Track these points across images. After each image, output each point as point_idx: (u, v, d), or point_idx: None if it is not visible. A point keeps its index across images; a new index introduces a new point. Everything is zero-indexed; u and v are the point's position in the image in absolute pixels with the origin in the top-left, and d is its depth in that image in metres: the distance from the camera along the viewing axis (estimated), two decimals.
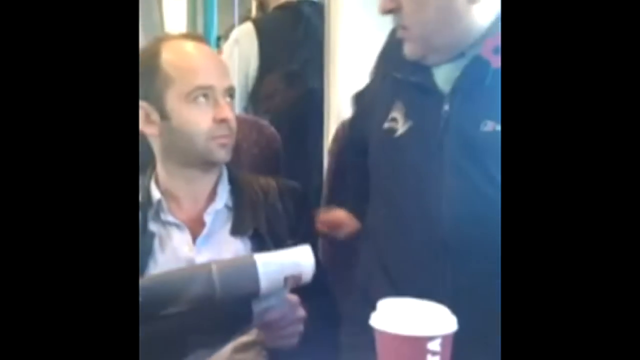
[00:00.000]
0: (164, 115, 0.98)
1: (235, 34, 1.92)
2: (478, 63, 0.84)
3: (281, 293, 0.79)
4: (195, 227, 0.98)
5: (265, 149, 1.26)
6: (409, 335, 0.59)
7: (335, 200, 1.21)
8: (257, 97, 1.83)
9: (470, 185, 0.83)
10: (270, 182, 1.07)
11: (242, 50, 1.83)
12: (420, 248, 0.87)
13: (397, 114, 0.91)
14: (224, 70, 1.02)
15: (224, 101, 0.99)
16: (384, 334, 0.60)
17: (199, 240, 0.97)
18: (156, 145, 1.02)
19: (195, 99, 0.96)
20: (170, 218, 0.98)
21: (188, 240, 0.97)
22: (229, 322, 0.78)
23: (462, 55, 0.87)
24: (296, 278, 0.77)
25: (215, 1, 2.77)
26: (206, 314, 0.75)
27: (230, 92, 1.01)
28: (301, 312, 0.84)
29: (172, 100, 0.97)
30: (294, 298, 0.83)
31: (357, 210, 1.06)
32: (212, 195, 1.01)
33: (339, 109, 1.48)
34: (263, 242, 0.97)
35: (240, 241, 0.98)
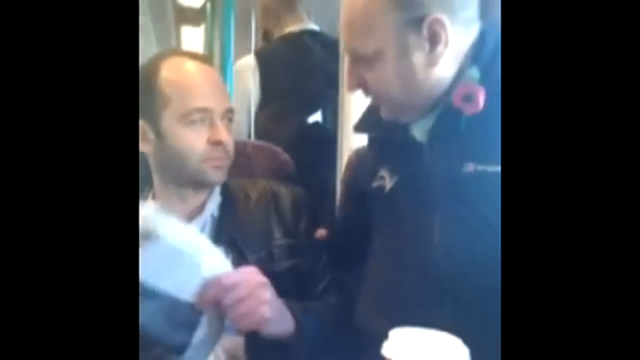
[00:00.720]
0: (159, 134, 0.98)
1: (237, 65, 1.94)
2: (450, 112, 0.88)
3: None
4: None
5: (278, 174, 1.27)
6: None
7: (349, 227, 1.21)
8: (260, 127, 1.84)
9: (458, 225, 0.87)
10: (266, 185, 1.06)
11: (243, 81, 1.84)
12: (417, 289, 0.90)
13: (383, 172, 0.98)
14: (223, 91, 1.01)
15: (220, 123, 0.98)
16: None
17: None
18: (152, 163, 1.03)
19: (191, 120, 0.96)
20: None
21: None
22: None
23: (434, 108, 0.92)
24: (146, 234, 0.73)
25: (232, 28, 2.81)
26: None
27: (229, 115, 1.00)
28: (251, 283, 0.80)
29: (168, 120, 0.97)
30: (259, 278, 0.80)
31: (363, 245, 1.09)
32: (201, 208, 1.01)
33: (351, 137, 1.49)
34: (239, 249, 0.96)
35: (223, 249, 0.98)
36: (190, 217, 1.01)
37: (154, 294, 0.74)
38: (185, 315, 0.75)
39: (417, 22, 0.86)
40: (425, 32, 0.86)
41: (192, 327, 0.76)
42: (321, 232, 1.06)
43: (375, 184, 0.98)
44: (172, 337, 0.75)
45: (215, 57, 3.13)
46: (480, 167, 0.85)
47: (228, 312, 0.79)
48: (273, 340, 0.86)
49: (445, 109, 0.90)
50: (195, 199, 1.02)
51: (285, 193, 1.07)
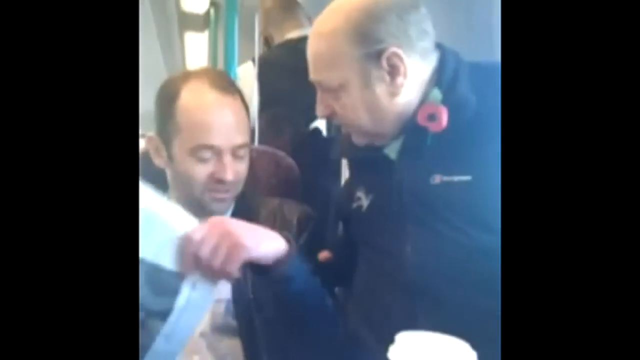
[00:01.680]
0: (170, 156, 0.99)
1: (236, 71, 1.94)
2: (416, 130, 0.95)
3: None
4: None
5: (283, 180, 1.27)
6: None
7: (337, 249, 1.22)
8: (260, 133, 1.83)
9: (429, 233, 0.92)
10: (276, 204, 1.07)
11: (243, 87, 1.84)
12: (395, 300, 0.95)
13: (360, 193, 1.04)
14: (239, 126, 0.99)
15: (228, 159, 0.97)
16: None
17: None
18: (168, 175, 1.04)
19: (197, 154, 0.96)
20: None
21: None
22: None
23: (403, 130, 0.98)
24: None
25: (235, 34, 2.82)
26: None
27: (240, 150, 0.99)
28: (220, 231, 0.78)
29: (177, 148, 0.98)
30: (225, 220, 0.79)
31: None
32: None
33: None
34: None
35: None
36: None
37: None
38: (166, 281, 0.76)
39: (376, 56, 0.93)
40: (384, 65, 0.92)
41: (173, 292, 0.76)
42: (324, 255, 1.08)
43: (354, 205, 1.03)
44: (155, 302, 0.75)
45: (219, 63, 3.14)
46: (446, 178, 0.92)
47: (211, 264, 0.78)
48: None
49: (411, 128, 0.96)
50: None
51: (292, 211, 1.07)
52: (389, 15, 0.92)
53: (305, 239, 1.05)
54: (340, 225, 1.14)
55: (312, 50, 0.99)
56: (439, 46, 0.98)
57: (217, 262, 0.78)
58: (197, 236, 0.78)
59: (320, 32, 0.96)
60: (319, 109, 1.00)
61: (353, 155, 1.09)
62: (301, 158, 1.49)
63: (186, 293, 0.77)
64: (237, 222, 0.83)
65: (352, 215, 1.05)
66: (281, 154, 1.34)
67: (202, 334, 0.96)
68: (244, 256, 0.79)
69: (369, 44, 0.92)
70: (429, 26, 0.96)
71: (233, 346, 0.95)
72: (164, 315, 0.76)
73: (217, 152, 0.97)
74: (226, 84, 1.04)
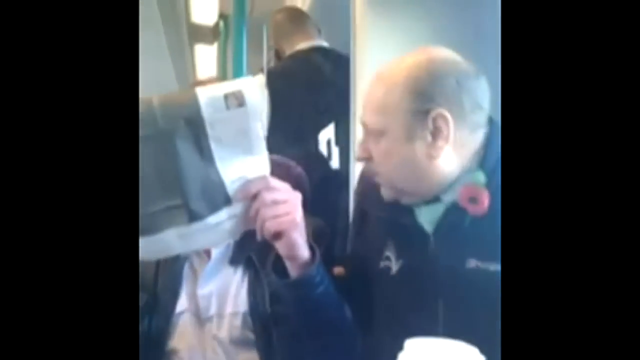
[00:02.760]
0: None
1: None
2: (456, 210, 0.93)
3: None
4: (207, 255, 1.00)
5: (293, 188, 1.27)
6: None
7: (362, 239, 1.21)
8: (270, 144, 1.84)
9: (460, 318, 0.89)
10: None
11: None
12: None
13: (389, 252, 1.01)
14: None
15: None
16: None
17: (205, 271, 0.97)
18: None
19: None
20: None
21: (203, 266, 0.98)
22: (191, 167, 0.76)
23: (437, 199, 0.96)
24: (237, 94, 0.76)
25: (244, 46, 2.85)
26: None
27: None
28: (291, 193, 0.82)
29: None
30: (281, 183, 0.81)
31: None
32: None
33: None
34: (256, 271, 0.96)
35: (238, 270, 0.98)
36: None
37: (209, 160, 0.76)
38: (217, 192, 0.77)
39: (424, 114, 0.91)
40: (429, 124, 0.91)
41: (216, 206, 0.77)
42: (339, 270, 1.07)
43: (382, 265, 1.01)
44: (197, 202, 0.76)
45: (228, 75, 3.16)
46: (481, 265, 0.90)
47: (263, 211, 0.80)
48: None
49: (451, 206, 0.94)
50: None
51: (308, 224, 1.07)
52: (447, 78, 0.91)
53: (322, 252, 1.06)
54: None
55: (369, 92, 0.98)
56: (490, 122, 0.96)
57: (268, 213, 0.80)
58: (273, 183, 0.82)
59: (381, 78, 0.97)
60: (358, 152, 1.00)
61: (381, 211, 1.04)
62: (310, 167, 1.49)
63: (223, 216, 0.78)
64: (301, 203, 0.86)
65: (378, 274, 1.01)
66: (291, 162, 1.35)
67: (220, 344, 0.95)
68: (286, 228, 0.82)
69: (421, 101, 0.91)
70: (485, 101, 0.94)
71: (250, 359, 0.95)
72: (196, 216, 0.77)
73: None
74: None
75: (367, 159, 0.98)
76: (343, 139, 1.66)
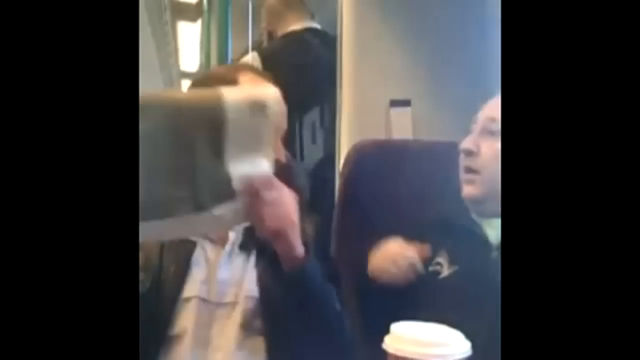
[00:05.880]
0: None
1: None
2: None
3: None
4: (220, 243, 1.00)
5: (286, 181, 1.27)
6: None
7: (347, 222, 1.22)
8: None
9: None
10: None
11: None
12: None
13: (441, 259, 0.99)
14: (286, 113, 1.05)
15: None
16: (397, 359, 0.60)
17: (223, 257, 0.98)
18: None
19: None
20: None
21: (219, 253, 0.98)
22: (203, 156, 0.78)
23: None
24: (262, 105, 0.78)
25: (229, 27, 2.81)
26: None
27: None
28: (290, 194, 0.84)
29: None
30: (282, 184, 0.83)
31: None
32: None
33: (350, 132, 1.50)
34: (266, 256, 0.96)
35: (252, 255, 0.99)
36: None
37: (221, 157, 0.78)
38: (223, 186, 0.79)
39: None
40: None
41: (220, 199, 0.79)
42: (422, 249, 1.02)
43: (430, 268, 0.99)
44: (203, 195, 0.78)
45: (212, 53, 3.13)
46: None
47: (262, 208, 0.81)
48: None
49: None
50: None
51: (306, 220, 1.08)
52: None
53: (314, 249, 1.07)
54: None
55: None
56: None
57: (267, 211, 0.80)
58: (276, 182, 0.81)
59: None
60: (467, 142, 1.00)
61: (447, 214, 1.03)
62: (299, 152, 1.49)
63: (226, 209, 0.79)
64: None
65: (423, 277, 0.99)
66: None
67: (231, 331, 0.96)
68: (283, 228, 0.82)
69: None
70: None
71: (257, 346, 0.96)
72: (201, 207, 0.78)
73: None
74: (268, 75, 1.10)
75: (473, 152, 0.98)
76: (329, 121, 1.66)
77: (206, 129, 0.78)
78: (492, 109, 1.00)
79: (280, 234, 0.84)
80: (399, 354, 0.60)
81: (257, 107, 0.79)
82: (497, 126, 0.96)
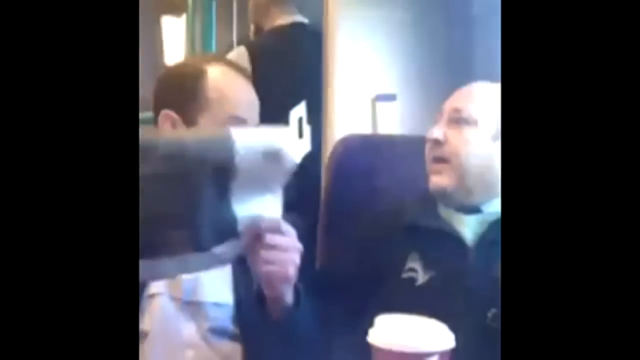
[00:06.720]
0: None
1: (228, 57, 1.94)
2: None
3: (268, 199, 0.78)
4: None
5: None
6: (406, 352, 0.59)
7: (333, 217, 1.22)
8: None
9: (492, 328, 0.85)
10: None
11: None
12: None
13: (415, 264, 0.96)
14: (257, 106, 1.04)
15: None
16: (381, 351, 0.61)
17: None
18: None
19: (228, 125, 0.97)
20: None
21: None
22: (207, 202, 0.75)
23: (478, 210, 0.95)
24: (276, 154, 0.75)
25: (213, 21, 2.79)
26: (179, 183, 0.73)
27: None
28: (296, 243, 0.82)
29: (204, 122, 0.97)
30: (290, 229, 0.82)
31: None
32: None
33: (336, 125, 1.50)
34: (244, 266, 0.95)
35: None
36: None
37: (226, 198, 0.75)
38: (227, 227, 0.76)
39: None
40: None
41: (223, 238, 0.76)
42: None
43: (405, 276, 0.96)
44: (204, 235, 0.75)
45: (197, 47, 3.10)
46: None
47: (263, 253, 0.79)
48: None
49: (498, 221, 0.92)
50: None
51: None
52: None
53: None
54: None
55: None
56: None
57: (268, 256, 0.79)
58: (284, 227, 0.79)
59: None
60: (430, 131, 0.98)
61: (416, 218, 0.99)
62: None
63: (226, 248, 0.77)
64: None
65: (398, 283, 0.96)
66: None
67: (200, 331, 0.95)
68: (283, 280, 0.81)
69: None
70: None
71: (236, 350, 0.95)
72: (199, 245, 0.75)
73: (243, 125, 0.98)
74: (243, 70, 1.09)
75: (440, 140, 0.96)
76: (315, 116, 1.66)
77: (213, 171, 0.74)
78: (457, 99, 0.99)
79: (273, 281, 0.82)
80: (384, 346, 0.60)
81: (271, 154, 0.75)
82: (462, 115, 0.96)
